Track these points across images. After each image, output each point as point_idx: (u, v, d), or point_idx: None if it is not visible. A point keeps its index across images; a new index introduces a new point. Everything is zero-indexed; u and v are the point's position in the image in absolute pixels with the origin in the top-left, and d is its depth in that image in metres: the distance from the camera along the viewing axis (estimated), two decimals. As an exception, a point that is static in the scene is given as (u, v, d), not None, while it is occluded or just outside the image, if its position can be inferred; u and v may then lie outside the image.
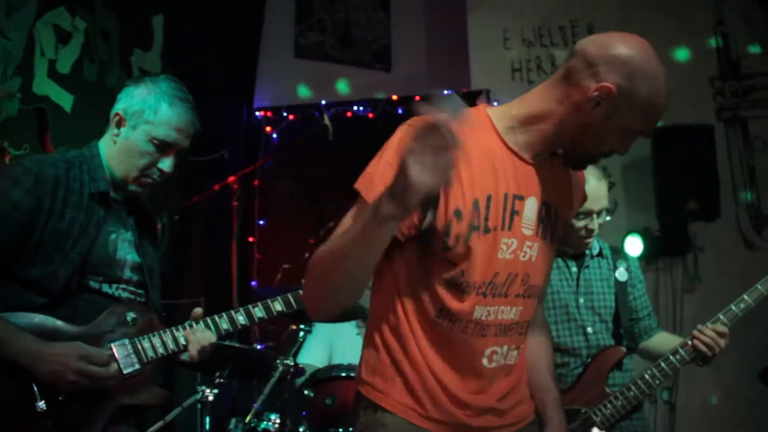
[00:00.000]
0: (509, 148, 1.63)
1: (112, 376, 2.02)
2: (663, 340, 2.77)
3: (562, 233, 1.77)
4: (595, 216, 2.64)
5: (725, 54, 4.46)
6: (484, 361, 1.64)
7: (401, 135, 1.55)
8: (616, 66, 1.54)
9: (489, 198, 1.58)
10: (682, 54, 4.47)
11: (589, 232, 2.66)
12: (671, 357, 2.59)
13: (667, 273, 4.38)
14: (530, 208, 1.64)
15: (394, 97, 5.01)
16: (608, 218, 2.72)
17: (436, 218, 1.55)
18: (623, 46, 1.57)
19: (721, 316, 2.57)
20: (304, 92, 5.28)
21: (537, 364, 1.82)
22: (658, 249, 4.35)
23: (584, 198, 1.86)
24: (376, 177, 1.52)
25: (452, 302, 1.60)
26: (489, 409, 1.66)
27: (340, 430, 2.98)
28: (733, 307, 2.58)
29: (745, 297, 2.58)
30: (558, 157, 1.70)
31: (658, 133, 4.30)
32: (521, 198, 1.62)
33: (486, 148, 1.61)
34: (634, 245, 4.25)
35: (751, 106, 4.41)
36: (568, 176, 1.75)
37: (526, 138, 1.63)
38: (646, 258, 4.32)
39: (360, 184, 1.55)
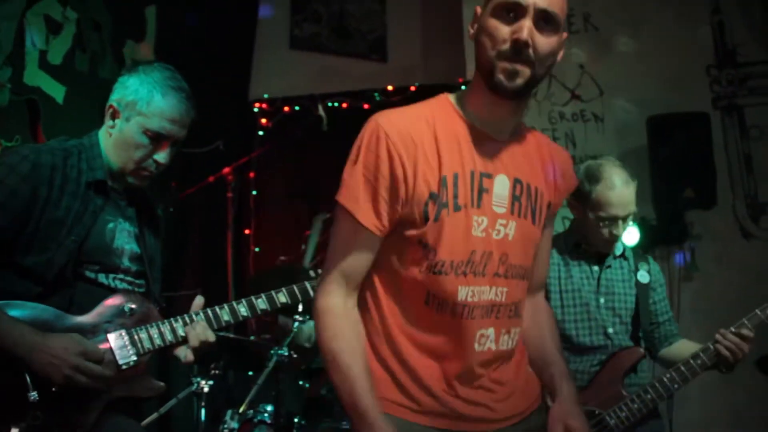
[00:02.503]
0: (473, 127, 1.63)
1: (107, 375, 2.00)
2: (683, 348, 2.70)
3: (549, 216, 1.75)
4: (620, 222, 2.59)
5: (721, 42, 4.44)
6: (475, 345, 1.63)
7: (367, 141, 1.58)
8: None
9: (456, 176, 1.58)
10: (677, 42, 4.45)
11: (614, 237, 2.61)
12: (692, 361, 2.53)
13: (664, 262, 4.36)
14: (500, 185, 1.63)
15: (390, 88, 4.99)
16: (633, 224, 2.65)
17: (412, 206, 1.57)
18: None
19: (746, 321, 2.50)
20: (297, 81, 5.26)
21: (541, 341, 1.80)
22: (655, 238, 4.34)
23: (574, 184, 1.83)
24: (352, 184, 1.58)
25: (435, 286, 1.60)
26: (484, 395, 1.65)
27: (335, 420, 2.97)
28: (759, 312, 2.51)
29: None
30: (529, 135, 1.71)
31: (655, 122, 4.32)
32: (489, 176, 1.62)
33: (450, 129, 1.62)
34: (630, 234, 4.23)
35: (747, 94, 4.39)
36: (544, 158, 1.73)
37: (479, 108, 1.63)
38: (642, 247, 4.31)
39: (344, 198, 1.59)
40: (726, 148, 4.37)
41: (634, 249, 2.83)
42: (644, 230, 4.26)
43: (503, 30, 1.54)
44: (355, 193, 1.57)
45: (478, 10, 1.62)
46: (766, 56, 4.36)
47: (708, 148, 4.21)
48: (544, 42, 1.54)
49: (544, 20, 1.53)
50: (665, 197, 4.26)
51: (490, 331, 1.64)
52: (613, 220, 2.57)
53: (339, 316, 1.61)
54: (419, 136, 1.57)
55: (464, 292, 1.60)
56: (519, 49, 1.52)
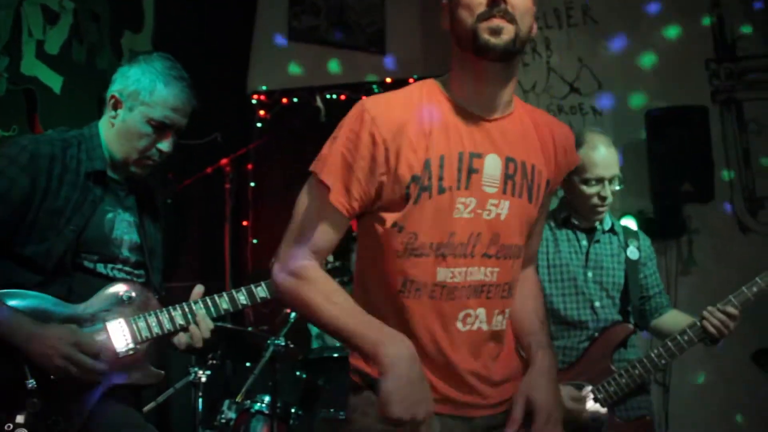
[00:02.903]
0: (461, 108, 1.63)
1: (99, 368, 2.00)
2: (674, 319, 2.74)
3: (547, 193, 1.74)
4: (607, 183, 2.60)
5: (720, 36, 4.44)
6: (458, 325, 1.63)
7: (351, 122, 1.59)
8: None
9: (442, 158, 1.58)
10: (676, 36, 4.44)
11: (602, 200, 2.61)
12: (679, 337, 2.57)
13: (662, 256, 4.36)
14: (492, 165, 1.62)
15: (389, 80, 4.99)
16: (619, 187, 2.66)
17: (393, 189, 1.57)
18: None
19: (732, 299, 2.54)
20: (296, 73, 5.25)
21: (522, 309, 1.80)
22: (653, 231, 4.33)
23: (576, 159, 1.83)
24: (330, 159, 1.59)
25: (412, 269, 1.60)
26: (474, 378, 1.64)
27: (332, 410, 2.98)
28: (745, 290, 2.54)
29: (758, 280, 2.55)
30: (525, 112, 1.70)
31: (653, 115, 4.32)
32: (479, 155, 1.61)
33: (437, 111, 1.62)
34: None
35: (746, 88, 4.39)
36: (543, 135, 1.72)
37: (463, 88, 1.63)
38: (640, 240, 4.32)
39: (315, 166, 1.61)
40: (724, 142, 4.38)
41: (624, 226, 2.83)
42: (642, 223, 4.27)
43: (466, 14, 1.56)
44: (331, 170, 1.58)
45: (444, 3, 1.65)
46: (765, 50, 4.36)
47: (706, 141, 4.21)
48: None
49: None
50: (663, 191, 4.26)
51: (480, 311, 1.64)
52: (599, 181, 2.59)
53: (320, 270, 1.61)
54: (405, 120, 1.58)
55: (443, 274, 1.60)
56: (497, 4, 1.54)
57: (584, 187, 2.60)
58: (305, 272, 1.59)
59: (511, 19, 1.55)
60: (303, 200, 1.63)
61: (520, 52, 1.59)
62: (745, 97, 4.41)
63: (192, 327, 2.17)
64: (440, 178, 1.58)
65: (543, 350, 1.73)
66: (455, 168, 1.59)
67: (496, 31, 1.54)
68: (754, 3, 4.38)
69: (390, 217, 1.59)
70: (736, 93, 4.41)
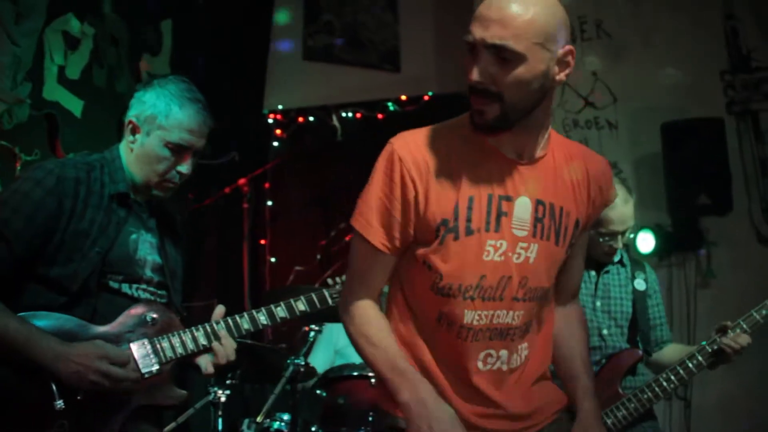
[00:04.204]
0: (494, 150, 1.62)
1: (131, 377, 2.03)
2: (674, 352, 2.76)
3: (578, 233, 1.72)
4: (619, 237, 2.68)
5: (735, 47, 4.43)
6: (479, 365, 1.65)
7: (385, 164, 1.62)
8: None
9: (471, 199, 1.59)
10: (690, 48, 4.44)
11: (613, 250, 2.70)
12: (688, 362, 2.58)
13: (680, 269, 4.34)
14: (522, 208, 1.62)
15: (403, 98, 5.02)
16: (632, 235, 2.73)
17: (423, 229, 1.60)
18: None
19: (742, 323, 2.55)
20: (311, 92, 5.29)
21: (570, 353, 1.81)
22: (671, 244, 4.32)
23: (612, 197, 1.79)
24: (373, 217, 1.62)
25: (444, 307, 1.63)
26: (495, 412, 1.66)
27: (352, 429, 2.97)
28: (755, 314, 2.55)
29: None
30: (560, 150, 1.69)
31: (669, 128, 4.30)
32: (509, 198, 1.61)
33: (468, 152, 1.61)
34: (646, 241, 4.22)
35: (762, 98, 4.37)
36: (579, 175, 1.69)
37: (506, 137, 1.60)
38: (658, 254, 4.29)
39: (358, 223, 1.65)
40: (741, 153, 4.35)
41: (632, 257, 2.89)
42: (659, 237, 4.25)
43: (468, 68, 1.53)
44: (368, 217, 1.62)
45: None
46: (780, 61, 4.35)
47: (723, 153, 4.19)
48: (506, 74, 1.48)
49: (499, 54, 1.48)
50: (680, 203, 4.24)
51: (503, 353, 1.66)
52: (613, 236, 2.65)
53: (368, 309, 1.69)
54: (433, 161, 1.59)
55: (470, 316, 1.62)
56: (473, 88, 1.53)
57: (598, 239, 2.65)
58: (352, 308, 1.69)
59: (494, 98, 1.51)
60: (352, 252, 1.71)
61: (517, 122, 1.55)
62: (761, 108, 4.38)
63: (215, 345, 2.19)
64: (468, 220, 1.59)
65: (589, 398, 1.74)
66: (484, 210, 1.59)
67: (478, 113, 1.55)
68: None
69: (420, 254, 1.63)
70: (752, 104, 4.39)
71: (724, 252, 4.31)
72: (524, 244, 1.62)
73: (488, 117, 1.53)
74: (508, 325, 1.64)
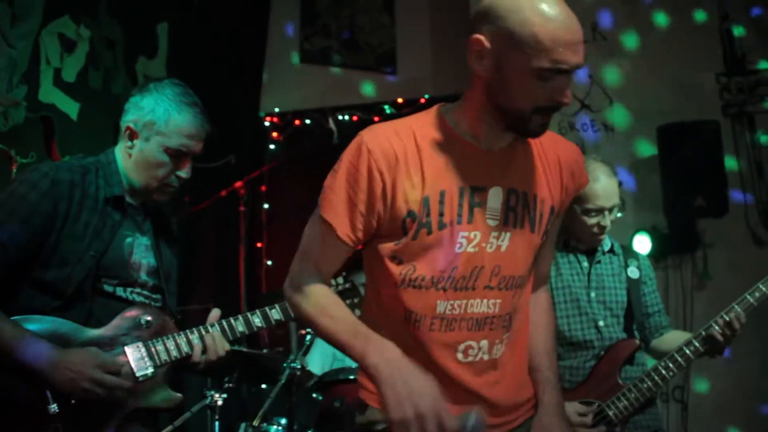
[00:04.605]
0: (464, 141, 1.62)
1: (124, 385, 2.03)
2: (674, 339, 2.76)
3: (552, 219, 1.72)
4: (607, 213, 2.65)
5: (731, 49, 4.44)
6: (459, 356, 1.64)
7: (350, 155, 1.60)
8: (483, 16, 1.53)
9: (442, 194, 1.59)
10: (686, 50, 4.45)
11: (602, 229, 2.67)
12: (685, 348, 2.59)
13: (677, 271, 4.35)
14: (494, 198, 1.62)
15: (400, 100, 5.02)
16: (619, 214, 2.72)
17: (389, 221, 1.59)
18: None
19: (735, 306, 2.57)
20: (308, 94, 5.29)
21: (533, 344, 1.80)
22: (667, 247, 4.33)
23: (585, 181, 1.80)
24: (333, 193, 1.60)
25: (412, 301, 1.62)
26: (477, 404, 1.62)
27: (349, 432, 2.97)
28: (748, 297, 2.57)
29: (760, 285, 2.57)
30: (525, 143, 1.69)
31: (665, 130, 4.31)
32: (482, 189, 1.61)
33: (439, 144, 1.61)
34: (642, 243, 4.23)
35: (757, 101, 4.38)
36: (549, 161, 1.70)
37: (475, 127, 1.62)
38: (654, 256, 4.29)
39: (323, 209, 1.62)
40: (737, 156, 4.36)
41: (623, 246, 2.87)
42: (656, 239, 4.26)
43: (545, 89, 1.51)
44: (334, 205, 1.60)
45: (484, 42, 1.53)
46: (776, 63, 4.36)
47: (718, 155, 4.20)
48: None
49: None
50: (676, 206, 4.25)
51: (483, 343, 1.65)
52: (600, 212, 2.63)
53: (323, 288, 1.65)
54: (402, 152, 1.58)
55: (442, 307, 1.61)
56: (560, 107, 1.55)
57: (585, 218, 2.64)
58: (306, 287, 1.65)
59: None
60: (311, 225, 1.67)
61: None
62: (756, 110, 4.40)
63: (207, 338, 2.19)
64: (440, 214, 1.58)
65: (550, 390, 1.73)
66: (456, 203, 1.59)
67: (545, 126, 1.58)
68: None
69: (388, 248, 1.61)
70: (748, 106, 4.40)
71: (720, 254, 4.32)
72: (496, 233, 1.62)
73: (546, 128, 1.59)
74: (484, 314, 1.63)
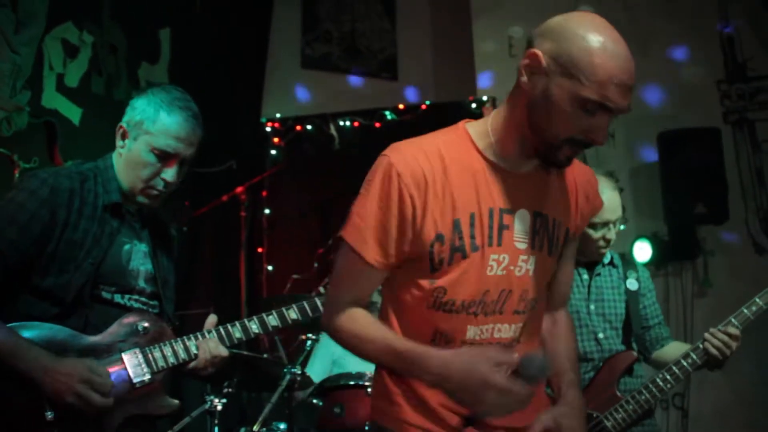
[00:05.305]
0: (491, 163, 1.61)
1: (107, 405, 2.01)
2: (675, 350, 2.76)
3: (568, 244, 1.72)
4: (612, 226, 2.68)
5: (731, 57, 4.45)
6: None
7: (382, 178, 1.58)
8: (546, 34, 1.52)
9: (472, 216, 1.57)
10: (687, 57, 4.46)
11: (607, 242, 2.69)
12: (683, 361, 2.59)
13: (677, 278, 4.35)
14: (521, 220, 1.61)
15: (401, 106, 5.03)
16: (622, 227, 2.74)
17: (418, 245, 1.57)
18: (559, 17, 1.53)
19: (733, 320, 2.56)
20: (309, 100, 5.31)
21: (553, 351, 1.78)
22: (667, 254, 4.34)
23: (599, 204, 1.79)
24: (368, 232, 1.58)
25: (443, 323, 1.60)
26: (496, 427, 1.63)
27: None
28: (745, 310, 2.57)
29: (757, 300, 2.57)
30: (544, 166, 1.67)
31: (665, 137, 4.32)
32: (510, 212, 1.60)
33: (466, 165, 1.59)
34: (643, 250, 4.23)
35: (758, 108, 4.39)
36: (567, 185, 1.70)
37: (505, 148, 1.60)
38: (655, 263, 4.30)
39: (350, 236, 1.60)
40: (737, 163, 4.37)
41: (623, 257, 2.88)
42: (656, 246, 4.26)
43: (583, 122, 1.49)
44: (362, 232, 1.58)
45: (542, 58, 1.50)
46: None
47: (719, 163, 4.21)
48: None
49: None
50: (677, 213, 4.26)
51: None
52: (605, 225, 2.66)
53: (354, 313, 1.64)
54: (431, 175, 1.56)
55: (473, 332, 1.60)
56: (591, 146, 1.55)
57: (590, 231, 2.65)
58: (342, 315, 1.64)
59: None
60: (341, 262, 1.65)
61: None
62: (757, 117, 4.41)
63: (203, 345, 2.18)
64: (472, 236, 1.57)
65: (573, 388, 1.71)
66: (486, 225, 1.58)
67: (571, 159, 1.58)
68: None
69: (418, 273, 1.59)
70: (749, 113, 4.42)
71: (720, 261, 4.33)
72: (524, 257, 1.61)
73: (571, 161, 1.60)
74: (510, 338, 1.63)
